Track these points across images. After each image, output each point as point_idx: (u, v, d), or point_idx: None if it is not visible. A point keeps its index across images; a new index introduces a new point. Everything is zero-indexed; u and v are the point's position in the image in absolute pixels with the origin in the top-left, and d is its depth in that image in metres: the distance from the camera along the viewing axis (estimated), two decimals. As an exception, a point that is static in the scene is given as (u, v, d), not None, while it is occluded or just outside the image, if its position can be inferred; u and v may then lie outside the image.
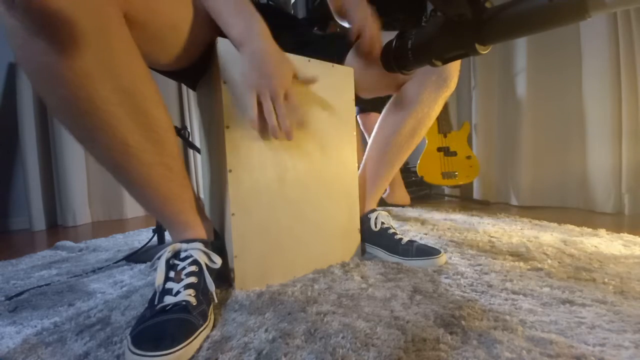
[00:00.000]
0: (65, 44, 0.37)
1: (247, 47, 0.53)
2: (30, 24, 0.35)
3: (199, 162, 2.02)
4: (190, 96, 2.08)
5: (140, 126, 0.46)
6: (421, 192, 1.90)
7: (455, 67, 0.73)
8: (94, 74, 0.40)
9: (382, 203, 1.57)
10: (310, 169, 0.66)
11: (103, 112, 0.42)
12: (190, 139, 0.94)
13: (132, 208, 1.82)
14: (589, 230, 0.93)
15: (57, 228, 1.58)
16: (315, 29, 1.02)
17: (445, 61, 0.42)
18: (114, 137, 0.44)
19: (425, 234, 0.96)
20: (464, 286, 0.56)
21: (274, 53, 0.54)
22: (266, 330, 0.42)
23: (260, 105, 0.54)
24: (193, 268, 0.48)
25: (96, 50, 0.39)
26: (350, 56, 0.77)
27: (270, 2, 0.81)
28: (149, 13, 0.48)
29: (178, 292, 0.45)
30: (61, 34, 0.36)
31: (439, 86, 0.73)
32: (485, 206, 1.61)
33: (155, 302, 0.44)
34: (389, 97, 0.83)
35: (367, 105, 1.45)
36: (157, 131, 0.48)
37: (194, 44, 0.57)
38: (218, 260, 0.53)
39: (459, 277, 0.60)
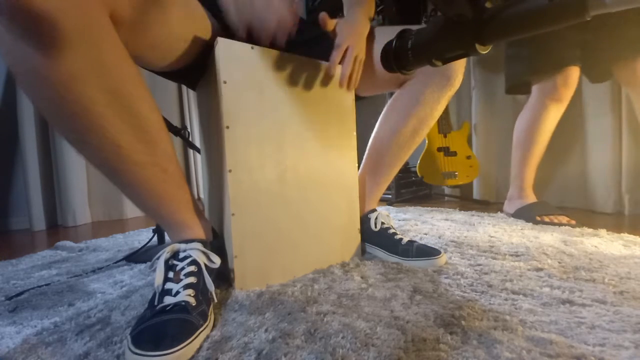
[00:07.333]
0: (50, 47, 0.36)
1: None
2: (15, 28, 0.35)
3: (199, 162, 2.02)
4: (190, 96, 2.08)
5: (131, 127, 0.45)
6: (421, 192, 1.90)
7: (459, 65, 0.72)
8: (81, 75, 0.39)
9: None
10: (310, 169, 0.66)
11: (92, 113, 0.41)
12: (190, 139, 0.94)
13: (132, 208, 1.81)
14: (589, 230, 0.93)
15: (57, 228, 1.58)
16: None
17: (446, 61, 0.42)
18: (104, 138, 0.43)
19: (425, 234, 0.96)
20: (464, 286, 0.56)
21: None
22: (266, 330, 0.42)
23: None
24: (192, 268, 0.48)
25: (81, 52, 0.39)
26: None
27: None
28: (136, 13, 0.47)
29: (177, 293, 0.45)
30: (46, 37, 0.36)
31: (442, 85, 0.73)
32: (485, 206, 1.61)
33: (155, 303, 0.44)
34: None
35: None
36: (149, 131, 0.48)
37: (187, 45, 0.56)
38: (217, 260, 0.53)
39: (459, 277, 0.60)
